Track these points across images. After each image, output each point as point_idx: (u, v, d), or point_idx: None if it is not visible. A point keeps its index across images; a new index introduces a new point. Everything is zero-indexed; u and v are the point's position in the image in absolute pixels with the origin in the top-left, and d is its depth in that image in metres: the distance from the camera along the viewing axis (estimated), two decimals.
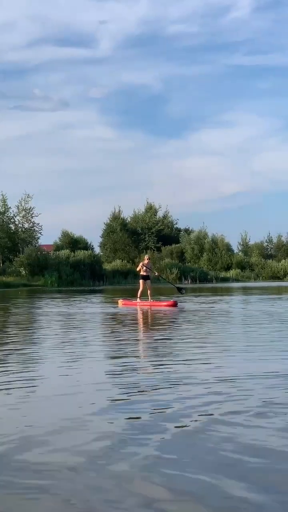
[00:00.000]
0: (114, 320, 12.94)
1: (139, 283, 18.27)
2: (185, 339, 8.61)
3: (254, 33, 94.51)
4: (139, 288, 18.01)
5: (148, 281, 18.06)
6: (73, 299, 23.38)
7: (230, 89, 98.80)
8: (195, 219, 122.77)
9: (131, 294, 24.25)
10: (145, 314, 14.49)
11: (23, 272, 47.59)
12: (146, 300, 17.31)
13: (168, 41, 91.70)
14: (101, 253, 63.50)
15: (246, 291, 31.43)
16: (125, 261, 58.34)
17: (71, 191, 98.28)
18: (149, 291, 17.71)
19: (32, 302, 21.76)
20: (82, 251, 51.93)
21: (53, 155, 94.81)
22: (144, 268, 17.95)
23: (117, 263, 56.07)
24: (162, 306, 16.50)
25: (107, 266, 54.96)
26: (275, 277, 61.09)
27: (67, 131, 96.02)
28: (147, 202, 69.60)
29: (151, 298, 17.46)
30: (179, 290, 21.57)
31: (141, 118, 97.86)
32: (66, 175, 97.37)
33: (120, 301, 17.97)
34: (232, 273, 60.96)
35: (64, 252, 50.71)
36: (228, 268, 62.99)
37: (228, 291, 30.92)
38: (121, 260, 57.73)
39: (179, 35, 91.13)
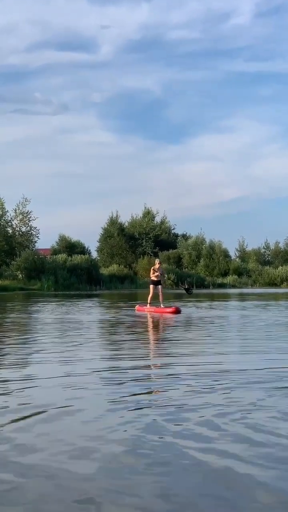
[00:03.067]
0: (131, 325, 12.85)
1: (149, 288, 18.03)
2: (183, 343, 8.55)
3: (255, 39, 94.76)
4: (149, 293, 17.76)
5: (159, 287, 17.70)
6: (79, 304, 23.25)
7: (230, 95, 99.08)
8: (193, 224, 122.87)
9: (129, 298, 24.09)
10: (149, 320, 14.31)
11: (20, 276, 47.50)
12: (157, 306, 17.01)
13: (168, 46, 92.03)
14: (98, 258, 63.43)
15: (242, 297, 31.40)
16: (122, 266, 58.28)
17: (69, 195, 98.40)
18: (160, 297, 17.41)
19: (45, 306, 21.68)
20: (79, 255, 51.89)
21: (52, 159, 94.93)
22: (156, 273, 17.63)
23: (114, 268, 56.03)
24: (166, 312, 16.20)
25: (104, 271, 54.91)
26: (272, 283, 61.07)
27: (66, 135, 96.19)
28: (145, 207, 69.66)
29: (162, 304, 17.17)
30: (187, 290, 21.29)
31: (140, 123, 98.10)
32: (65, 179, 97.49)
33: (136, 307, 17.79)
34: (229, 279, 60.93)
35: (61, 256, 50.66)
36: (225, 274, 62.96)
37: (225, 297, 30.88)
38: (118, 265, 57.68)
39: (180, 40, 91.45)
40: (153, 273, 17.71)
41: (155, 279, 17.69)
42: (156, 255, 63.08)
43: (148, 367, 6.72)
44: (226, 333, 10.65)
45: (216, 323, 12.56)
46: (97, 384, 5.40)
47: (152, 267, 18.01)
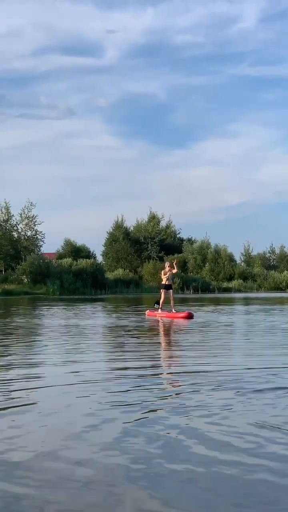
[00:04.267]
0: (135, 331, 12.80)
1: (160, 293, 17.79)
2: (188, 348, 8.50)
3: (260, 44, 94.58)
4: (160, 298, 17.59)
5: (170, 291, 17.51)
6: (84, 308, 23.18)
7: (235, 99, 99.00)
8: (198, 229, 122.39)
9: (135, 303, 23.98)
10: (160, 325, 14.17)
11: (25, 280, 47.51)
12: (169, 311, 16.80)
13: (174, 51, 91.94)
14: (104, 262, 63.43)
15: (248, 301, 31.30)
16: (127, 270, 58.22)
17: (74, 199, 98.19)
18: (171, 302, 17.20)
19: (59, 310, 21.64)
20: (84, 259, 51.88)
21: (58, 163, 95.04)
22: (167, 274, 17.43)
23: (119, 272, 55.95)
24: (178, 317, 15.98)
25: (109, 275, 54.86)
26: (277, 288, 60.91)
27: (72, 139, 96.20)
28: (150, 212, 69.53)
29: (174, 309, 16.96)
30: (156, 302, 19.32)
31: (145, 127, 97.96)
32: (70, 183, 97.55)
33: (147, 312, 17.62)
34: (234, 283, 60.76)
35: (67, 261, 50.67)
36: (230, 278, 62.80)
37: (231, 302, 30.79)
38: (123, 269, 57.60)
39: (185, 45, 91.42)
40: (164, 275, 17.59)
41: (166, 283, 17.54)
42: (161, 259, 63.03)
43: (151, 371, 6.67)
44: (239, 338, 10.59)
45: (229, 328, 12.49)
46: (95, 387, 5.36)
47: (163, 270, 17.90)
